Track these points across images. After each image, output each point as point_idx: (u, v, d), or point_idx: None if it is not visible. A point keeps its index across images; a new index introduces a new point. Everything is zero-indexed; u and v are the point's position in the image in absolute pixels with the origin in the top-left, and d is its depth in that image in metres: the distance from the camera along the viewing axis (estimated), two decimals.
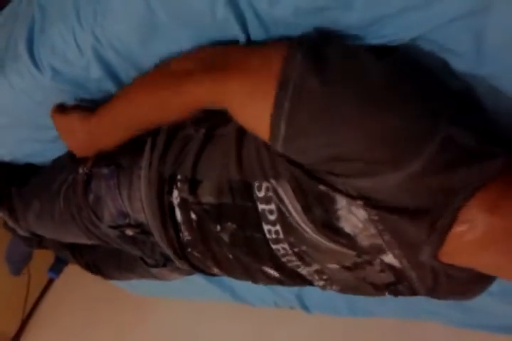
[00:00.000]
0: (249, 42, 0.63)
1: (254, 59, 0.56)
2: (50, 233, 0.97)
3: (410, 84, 0.50)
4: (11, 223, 1.03)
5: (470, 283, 0.64)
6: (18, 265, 1.44)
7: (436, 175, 0.48)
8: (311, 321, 1.28)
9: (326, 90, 0.48)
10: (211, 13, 0.60)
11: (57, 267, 1.60)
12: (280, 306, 1.24)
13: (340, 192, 0.53)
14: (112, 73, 0.75)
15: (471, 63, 0.55)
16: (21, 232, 1.04)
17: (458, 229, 0.51)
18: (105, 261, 1.10)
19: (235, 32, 0.61)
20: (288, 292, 1.18)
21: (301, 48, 0.52)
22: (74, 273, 1.56)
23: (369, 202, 0.52)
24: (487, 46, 0.53)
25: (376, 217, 0.53)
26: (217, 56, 0.60)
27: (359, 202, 0.52)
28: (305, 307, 1.21)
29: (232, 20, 0.59)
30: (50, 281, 1.91)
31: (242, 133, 0.64)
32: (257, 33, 0.61)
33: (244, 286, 1.24)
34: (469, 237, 0.51)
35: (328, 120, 0.48)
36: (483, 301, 0.83)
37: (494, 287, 0.71)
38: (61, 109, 0.80)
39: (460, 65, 0.56)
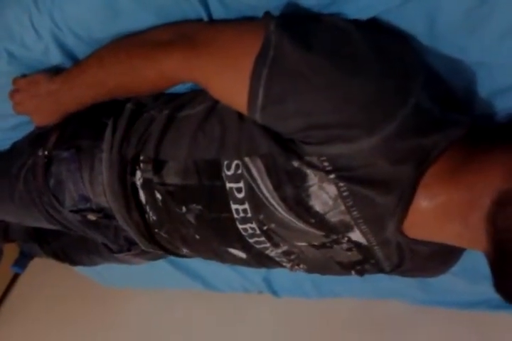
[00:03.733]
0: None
1: (230, 33, 0.57)
2: (11, 217, 0.95)
3: (384, 50, 0.51)
4: None
5: (433, 259, 0.67)
6: None
7: (407, 139, 0.49)
8: (280, 305, 1.29)
9: (304, 57, 0.49)
10: None
11: (22, 261, 1.56)
12: (249, 291, 1.25)
13: (314, 166, 0.53)
14: (73, 58, 0.73)
15: (424, 44, 0.56)
16: None
17: (420, 199, 0.53)
18: (73, 246, 1.09)
19: (197, 12, 0.61)
20: (256, 276, 1.18)
21: (280, 20, 0.53)
22: (39, 267, 1.54)
23: (343, 173, 0.52)
24: (439, 28, 0.54)
25: (346, 193, 0.54)
26: (196, 31, 0.60)
27: (332, 176, 0.53)
28: (273, 291, 1.23)
29: (195, 1, 0.59)
30: (15, 276, 1.88)
31: (210, 112, 0.64)
32: (219, 14, 0.61)
33: (212, 273, 1.24)
34: (430, 208, 0.53)
35: (306, 87, 0.49)
36: (445, 280, 0.87)
37: (456, 267, 0.74)
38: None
39: (414, 45, 0.56)
